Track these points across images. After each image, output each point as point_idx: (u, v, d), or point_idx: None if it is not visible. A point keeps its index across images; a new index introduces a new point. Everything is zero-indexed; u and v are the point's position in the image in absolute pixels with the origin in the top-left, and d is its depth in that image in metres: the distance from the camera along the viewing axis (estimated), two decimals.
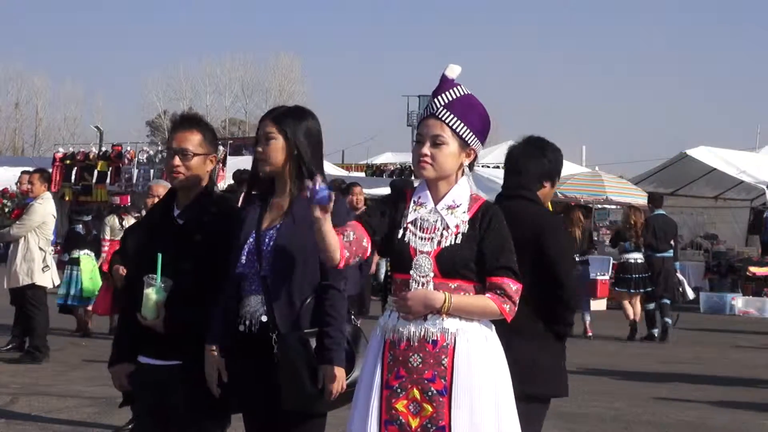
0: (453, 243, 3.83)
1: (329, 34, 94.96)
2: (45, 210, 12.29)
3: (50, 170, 19.51)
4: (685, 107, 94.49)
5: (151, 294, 4.39)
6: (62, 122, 68.12)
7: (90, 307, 14.30)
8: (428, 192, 3.97)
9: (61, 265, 14.63)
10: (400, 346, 3.82)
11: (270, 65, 68.71)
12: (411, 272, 3.82)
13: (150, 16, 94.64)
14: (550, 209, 5.06)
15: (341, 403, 4.24)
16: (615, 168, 38.64)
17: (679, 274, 17.57)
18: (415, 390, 3.78)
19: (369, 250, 3.91)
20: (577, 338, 16.52)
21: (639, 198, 22.77)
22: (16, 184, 14.24)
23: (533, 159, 4.93)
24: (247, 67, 68.62)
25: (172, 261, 4.38)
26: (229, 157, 25.64)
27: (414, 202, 3.97)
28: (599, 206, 24.83)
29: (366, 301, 10.84)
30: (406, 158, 33.64)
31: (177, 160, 4.57)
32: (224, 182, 20.35)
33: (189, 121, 4.69)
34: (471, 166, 4.00)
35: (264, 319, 4.23)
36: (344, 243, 3.78)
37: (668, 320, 16.37)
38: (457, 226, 3.87)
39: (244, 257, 4.29)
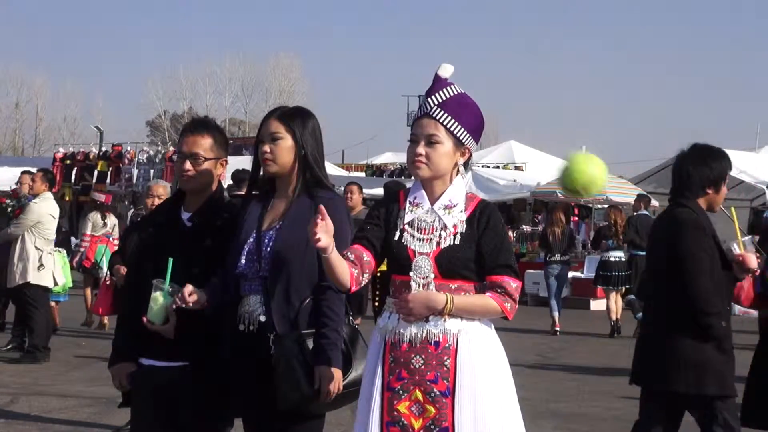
0: (452, 243, 3.81)
1: (329, 34, 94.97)
2: (41, 209, 12.29)
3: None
4: (685, 107, 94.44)
5: (159, 298, 4.36)
6: (62, 122, 68.09)
7: (54, 303, 14.19)
8: (423, 192, 3.95)
9: None
10: (401, 347, 3.81)
11: (270, 65, 68.72)
12: (411, 274, 3.81)
13: (150, 16, 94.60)
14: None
15: (339, 404, 4.24)
16: (615, 168, 38.63)
17: None
18: (417, 391, 3.77)
19: (373, 263, 3.91)
20: (545, 333, 16.68)
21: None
22: (16, 184, 14.23)
23: (696, 166, 5.42)
24: (247, 67, 68.63)
25: (182, 265, 4.36)
26: (229, 157, 25.63)
27: (410, 202, 3.95)
28: (599, 206, 24.84)
29: (364, 302, 10.85)
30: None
31: (188, 164, 4.56)
32: (224, 182, 20.32)
33: (201, 125, 4.68)
34: (466, 165, 3.98)
35: (263, 319, 4.23)
36: (350, 266, 3.80)
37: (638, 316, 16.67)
38: (455, 226, 3.85)
39: (243, 257, 4.29)
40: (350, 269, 3.78)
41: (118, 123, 75.17)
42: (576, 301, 20.43)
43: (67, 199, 26.92)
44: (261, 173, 4.46)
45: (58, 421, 8.65)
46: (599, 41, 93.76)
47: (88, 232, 15.53)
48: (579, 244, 23.58)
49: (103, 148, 29.73)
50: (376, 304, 10.92)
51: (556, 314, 16.86)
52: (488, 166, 30.74)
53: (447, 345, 3.78)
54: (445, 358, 3.77)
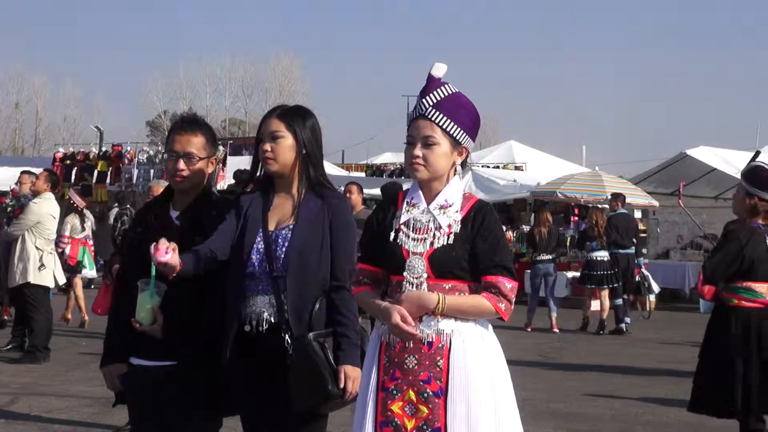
0: (445, 243, 3.80)
1: (329, 34, 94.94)
2: (41, 209, 12.29)
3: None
4: (685, 107, 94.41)
5: (146, 299, 4.34)
6: (62, 122, 68.07)
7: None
8: (421, 192, 3.94)
9: None
10: (396, 347, 3.81)
11: (270, 65, 68.70)
12: (404, 274, 3.81)
13: (150, 16, 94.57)
14: None
15: (347, 403, 4.25)
16: (615, 168, 38.64)
17: (644, 270, 18.14)
18: (410, 392, 3.76)
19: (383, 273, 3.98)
20: (544, 332, 16.75)
21: (639, 198, 22.79)
22: (16, 184, 14.24)
23: None
24: (247, 67, 68.62)
25: None
26: (229, 157, 25.62)
27: (407, 203, 3.94)
28: (599, 206, 24.82)
29: None
30: None
31: (182, 164, 4.52)
32: (224, 182, 20.32)
33: (191, 123, 4.64)
34: (463, 164, 3.97)
35: (272, 319, 4.22)
36: (375, 293, 3.94)
37: (627, 321, 17.23)
38: (449, 226, 3.84)
39: (254, 257, 4.27)
40: (377, 297, 3.91)
41: (118, 123, 75.19)
42: (576, 301, 20.42)
43: (66, 198, 26.89)
44: (259, 172, 4.46)
45: (58, 421, 8.65)
46: (599, 41, 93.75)
47: (67, 234, 15.71)
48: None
49: (103, 148, 29.69)
50: None
51: (554, 315, 17.14)
52: (488, 166, 30.70)
53: (440, 345, 3.77)
54: (438, 358, 3.76)
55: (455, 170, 3.95)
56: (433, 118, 3.86)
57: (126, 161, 26.86)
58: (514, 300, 3.85)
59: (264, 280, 4.25)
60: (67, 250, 15.62)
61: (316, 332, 4.17)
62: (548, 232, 17.47)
